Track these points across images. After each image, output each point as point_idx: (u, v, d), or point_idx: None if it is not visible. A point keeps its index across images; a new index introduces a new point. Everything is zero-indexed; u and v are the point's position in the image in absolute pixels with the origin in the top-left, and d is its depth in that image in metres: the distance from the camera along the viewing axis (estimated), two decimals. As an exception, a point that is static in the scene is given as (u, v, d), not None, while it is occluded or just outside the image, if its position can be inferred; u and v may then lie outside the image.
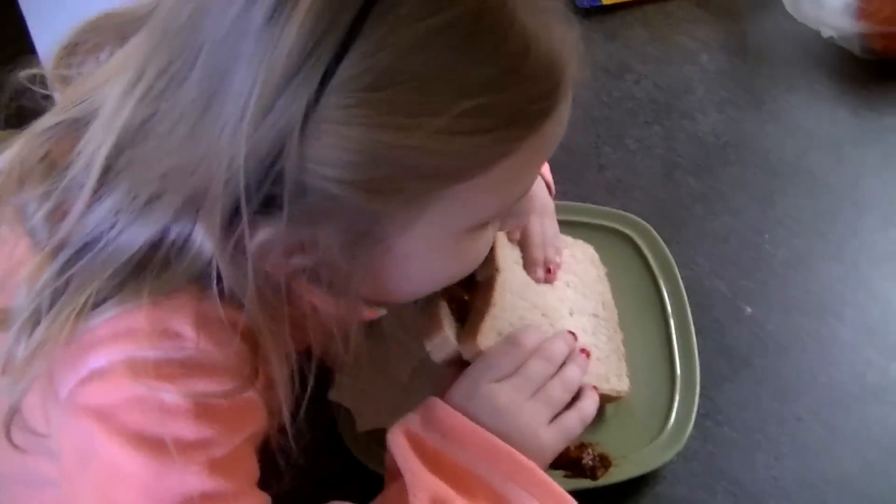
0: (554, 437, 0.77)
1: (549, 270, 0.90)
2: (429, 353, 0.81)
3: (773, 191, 1.10)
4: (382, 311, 0.77)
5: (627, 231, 1.01)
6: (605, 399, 0.85)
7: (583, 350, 0.83)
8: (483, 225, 0.67)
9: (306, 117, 0.54)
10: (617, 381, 0.87)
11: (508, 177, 0.62)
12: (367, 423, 0.86)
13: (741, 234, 1.06)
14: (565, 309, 0.89)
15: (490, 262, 0.84)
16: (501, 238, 0.87)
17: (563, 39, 0.61)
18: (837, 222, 1.08)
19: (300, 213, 0.58)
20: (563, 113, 0.63)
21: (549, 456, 0.77)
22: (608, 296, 0.94)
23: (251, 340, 0.63)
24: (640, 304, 0.96)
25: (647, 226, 1.01)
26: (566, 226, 0.96)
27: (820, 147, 1.15)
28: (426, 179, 0.59)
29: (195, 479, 0.61)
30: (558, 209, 0.94)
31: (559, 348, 0.81)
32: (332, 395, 0.87)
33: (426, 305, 0.81)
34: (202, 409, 0.61)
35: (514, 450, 0.73)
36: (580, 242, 0.97)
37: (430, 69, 0.55)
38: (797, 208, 1.08)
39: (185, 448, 0.61)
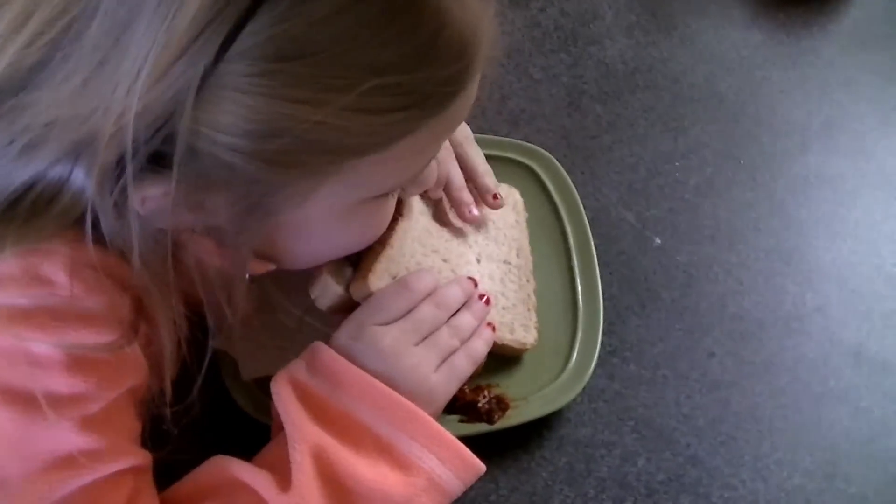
0: (443, 381, 0.74)
1: (495, 197, 0.85)
2: (314, 299, 0.77)
3: (684, 117, 1.05)
4: (271, 267, 0.72)
5: (528, 162, 0.95)
6: (509, 350, 0.81)
7: (482, 296, 0.79)
8: (384, 195, 0.66)
9: (203, 81, 0.52)
10: (523, 331, 0.82)
11: (412, 152, 0.61)
12: (253, 370, 0.80)
13: (650, 162, 1.00)
14: (472, 255, 0.84)
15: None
16: (409, 190, 0.81)
17: (478, 18, 0.57)
18: (751, 148, 1.03)
19: (192, 176, 0.55)
20: (472, 91, 0.61)
21: (441, 401, 0.74)
22: (524, 242, 0.88)
23: (135, 293, 0.60)
24: (545, 240, 0.90)
25: (548, 155, 0.95)
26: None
27: (733, 72, 1.10)
28: (327, 154, 0.57)
29: (68, 436, 0.59)
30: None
31: (453, 293, 0.77)
32: (216, 343, 0.81)
33: None
34: (75, 362, 0.59)
35: (400, 396, 0.69)
36: (504, 186, 0.90)
37: (339, 44, 0.52)
38: (709, 135, 1.03)
39: (57, 403, 0.58)
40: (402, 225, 0.79)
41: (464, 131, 0.87)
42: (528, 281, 0.85)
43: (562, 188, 0.93)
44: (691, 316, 0.89)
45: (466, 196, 0.85)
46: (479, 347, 0.76)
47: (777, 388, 0.85)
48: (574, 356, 0.83)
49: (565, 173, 0.94)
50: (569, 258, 0.89)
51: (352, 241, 0.71)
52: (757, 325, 0.89)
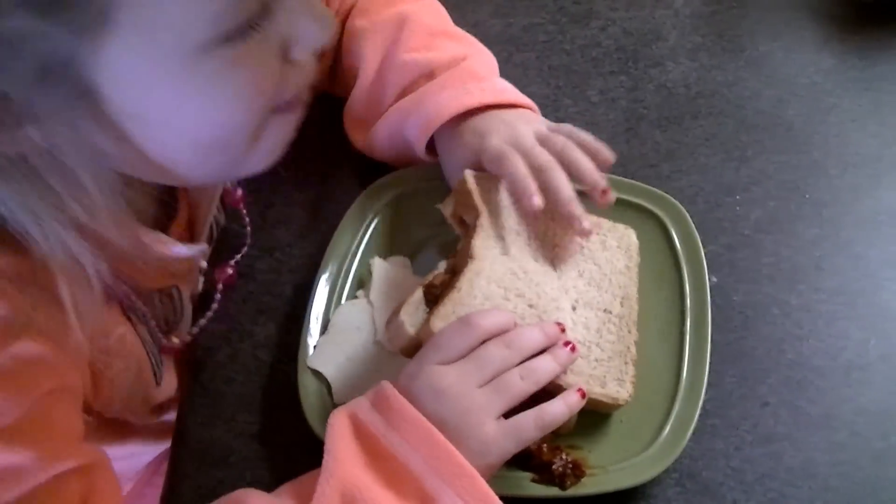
0: (500, 435, 0.69)
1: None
2: (388, 340, 0.78)
3: (747, 146, 1.00)
4: (202, 248, 0.71)
5: (656, 210, 0.90)
6: (600, 406, 0.76)
7: (567, 343, 0.74)
8: (222, 41, 0.56)
9: None
10: (616, 386, 0.76)
11: None
12: (345, 395, 0.79)
13: (710, 194, 0.95)
14: (566, 301, 0.80)
15: (465, 251, 0.78)
16: (482, 230, 0.80)
17: None
18: (818, 181, 0.97)
19: None
20: None
21: (495, 457, 0.69)
22: (632, 290, 0.83)
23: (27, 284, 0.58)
24: (655, 293, 0.85)
25: (680, 207, 0.90)
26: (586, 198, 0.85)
27: (802, 98, 1.04)
28: None
29: None
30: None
31: (529, 335, 0.72)
32: (311, 363, 0.81)
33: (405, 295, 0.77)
34: None
35: (453, 448, 0.66)
36: (620, 227, 0.86)
37: None
38: (773, 166, 0.98)
39: None
40: (472, 266, 0.77)
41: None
42: (629, 332, 0.80)
43: (686, 240, 0.88)
44: (746, 361, 0.84)
45: (577, 209, 0.79)
46: (555, 411, 0.71)
47: (834, 442, 0.80)
48: (667, 428, 0.77)
49: (692, 225, 0.89)
50: (681, 316, 0.83)
51: (215, 112, 0.60)
52: (816, 373, 0.84)
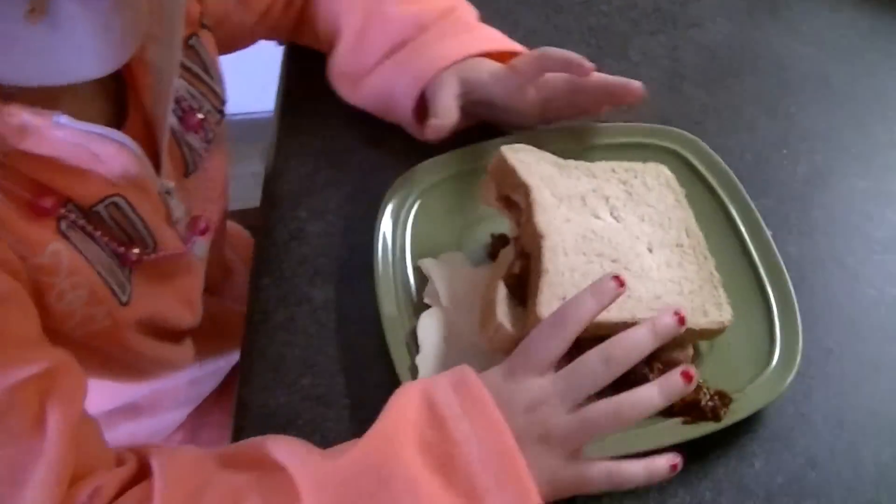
0: (568, 475, 0.66)
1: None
2: (488, 341, 0.76)
3: (789, 104, 1.00)
4: (85, 127, 0.67)
5: (670, 145, 0.92)
6: (707, 334, 0.77)
7: (677, 313, 0.68)
8: None
9: None
10: (716, 311, 0.77)
11: None
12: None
13: (757, 151, 0.96)
14: (642, 246, 0.80)
15: (532, 232, 0.77)
16: (539, 205, 0.78)
17: None
18: (861, 136, 0.98)
19: None
20: None
21: (562, 492, 0.66)
22: (691, 220, 0.83)
23: None
24: (705, 219, 0.85)
25: (695, 138, 0.92)
26: (605, 149, 0.89)
27: (841, 57, 1.05)
28: None
29: None
30: (591, 133, 0.89)
31: (634, 344, 0.66)
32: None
33: (485, 291, 0.77)
34: None
35: (520, 459, 0.62)
36: (651, 165, 0.87)
37: None
38: (817, 122, 0.99)
39: None
40: (547, 244, 0.76)
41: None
42: (705, 258, 0.81)
43: (711, 165, 0.90)
44: (806, 311, 0.84)
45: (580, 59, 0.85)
46: (632, 473, 0.66)
47: (899, 389, 0.80)
48: (778, 338, 0.79)
49: (711, 150, 0.91)
50: (737, 234, 0.86)
51: None
52: (875, 320, 0.84)
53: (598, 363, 0.65)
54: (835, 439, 0.77)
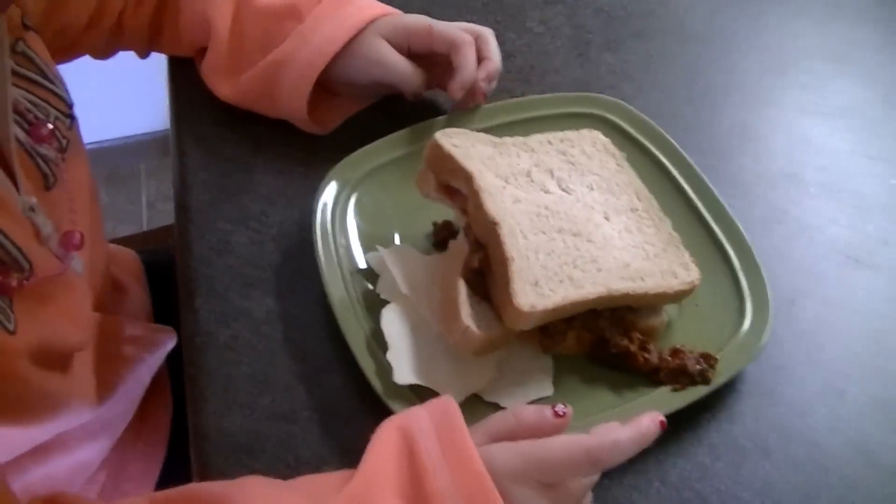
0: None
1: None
2: (454, 346, 0.72)
3: (695, 59, 1.00)
4: None
5: (599, 112, 0.90)
6: (678, 296, 0.75)
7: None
8: None
9: None
10: (684, 271, 0.76)
11: None
12: (406, 376, 0.73)
13: (675, 107, 0.95)
14: (598, 216, 0.78)
15: (484, 220, 0.73)
16: (485, 190, 0.74)
17: None
18: (773, 82, 0.99)
19: None
20: None
21: None
22: (638, 183, 0.82)
23: None
24: (653, 186, 0.83)
25: (620, 102, 0.90)
26: (533, 123, 0.86)
27: (733, 6, 1.05)
28: None
29: None
30: (515, 108, 0.87)
31: (616, 459, 0.64)
32: (401, 381, 0.73)
33: (443, 288, 0.73)
34: None
35: None
36: (585, 132, 0.84)
37: None
38: (729, 76, 0.99)
39: None
40: (503, 230, 0.72)
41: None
42: (661, 220, 0.79)
43: (641, 127, 0.89)
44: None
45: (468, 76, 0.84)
46: None
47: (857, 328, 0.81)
48: (747, 294, 0.78)
49: (638, 112, 0.89)
50: (682, 192, 0.85)
51: None
52: (828, 263, 0.84)
53: (592, 476, 0.65)
54: (815, 384, 0.77)
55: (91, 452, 0.93)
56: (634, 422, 0.64)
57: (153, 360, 0.96)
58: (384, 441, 0.63)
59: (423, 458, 0.62)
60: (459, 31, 0.85)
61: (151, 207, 2.14)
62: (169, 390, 1.04)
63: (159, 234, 1.80)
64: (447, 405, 0.65)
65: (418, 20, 0.87)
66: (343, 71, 0.87)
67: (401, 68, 0.87)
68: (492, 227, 0.72)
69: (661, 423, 0.64)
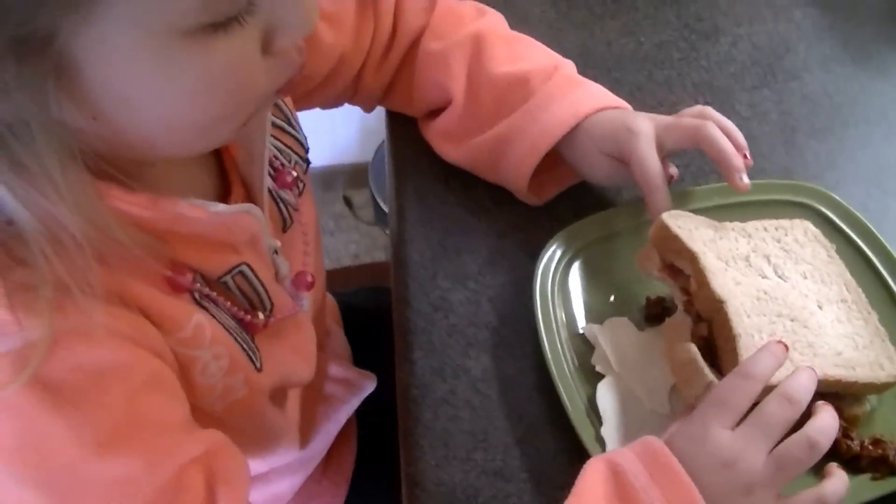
0: None
1: (745, 157, 0.84)
2: (694, 398, 0.74)
3: (901, 153, 1.01)
4: (244, 207, 0.71)
5: (808, 201, 0.92)
6: (881, 388, 0.78)
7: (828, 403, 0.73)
8: (207, 29, 0.55)
9: None
10: (890, 364, 0.78)
11: None
12: None
13: (878, 199, 0.96)
14: (812, 304, 0.80)
15: (709, 298, 0.77)
16: (709, 270, 0.78)
17: None
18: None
19: None
20: None
21: None
22: (847, 275, 0.84)
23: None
24: (859, 279, 0.85)
25: (829, 192, 0.92)
26: (744, 208, 0.88)
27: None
28: None
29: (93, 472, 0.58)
30: (729, 192, 0.86)
31: (803, 384, 0.69)
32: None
33: (669, 354, 0.77)
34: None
35: None
36: (797, 222, 0.87)
37: None
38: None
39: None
40: (730, 307, 0.76)
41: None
42: (869, 313, 0.82)
43: (848, 218, 0.90)
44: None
45: (738, 161, 0.83)
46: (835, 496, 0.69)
47: None
48: None
49: (846, 203, 0.91)
50: (886, 286, 0.86)
51: (191, 93, 0.58)
52: None
53: (783, 404, 0.67)
54: None
55: (287, 485, 0.98)
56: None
57: (353, 402, 1.00)
58: (591, 473, 0.67)
59: (629, 478, 0.65)
60: (692, 120, 0.86)
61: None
62: (355, 432, 1.08)
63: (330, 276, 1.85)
64: (647, 439, 0.68)
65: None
66: (569, 150, 0.90)
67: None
68: (718, 305, 0.76)
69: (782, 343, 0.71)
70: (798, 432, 0.67)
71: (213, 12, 0.55)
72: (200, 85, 0.58)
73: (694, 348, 0.75)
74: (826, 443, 0.67)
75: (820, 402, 0.72)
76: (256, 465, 0.89)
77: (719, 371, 0.75)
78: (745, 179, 0.82)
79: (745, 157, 0.84)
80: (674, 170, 0.88)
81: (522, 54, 0.94)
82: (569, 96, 0.89)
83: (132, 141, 0.60)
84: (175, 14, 0.53)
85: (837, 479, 0.70)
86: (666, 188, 0.84)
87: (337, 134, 2.15)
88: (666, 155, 0.86)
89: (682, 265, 0.81)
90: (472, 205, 0.95)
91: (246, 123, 0.64)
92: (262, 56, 0.60)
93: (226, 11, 0.55)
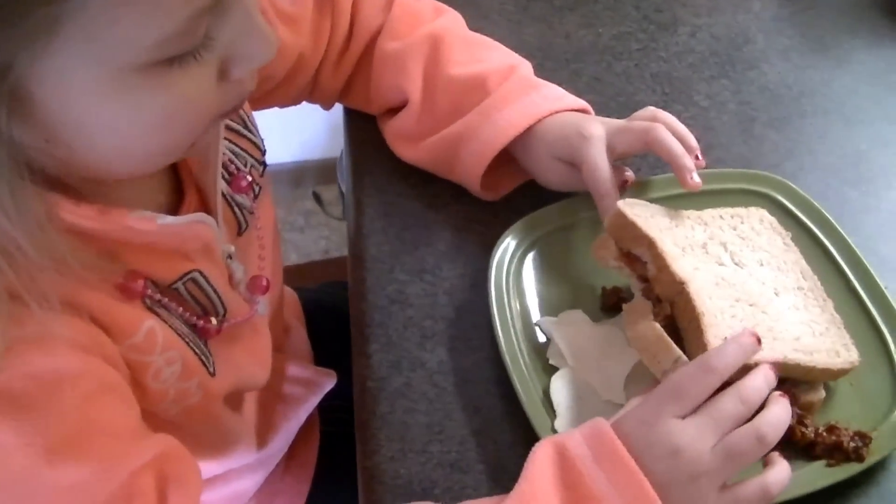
0: None
1: (697, 157, 0.85)
2: (662, 373, 0.74)
3: (859, 141, 1.01)
4: (196, 217, 0.70)
5: (765, 190, 0.92)
6: (836, 374, 0.78)
7: (784, 393, 0.72)
8: (163, 64, 0.55)
9: None
10: (846, 352, 0.78)
11: None
12: None
13: (836, 189, 0.96)
14: (769, 291, 0.81)
15: (670, 280, 0.78)
16: (668, 251, 0.79)
17: None
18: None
19: None
20: None
21: None
22: (803, 263, 0.84)
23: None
24: (814, 266, 0.85)
25: (786, 182, 0.92)
26: (701, 197, 0.87)
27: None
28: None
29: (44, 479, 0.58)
30: (679, 184, 0.85)
31: (757, 385, 0.69)
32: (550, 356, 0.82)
33: (635, 334, 0.77)
34: None
35: None
36: (753, 210, 0.87)
37: None
38: (889, 158, 1.00)
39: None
40: (692, 288, 0.76)
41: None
42: (825, 300, 0.82)
43: (805, 207, 0.90)
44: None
45: (688, 162, 0.83)
46: (778, 484, 0.68)
47: None
48: None
49: (803, 193, 0.91)
50: (841, 273, 0.86)
51: (147, 127, 0.59)
52: None
53: (736, 402, 0.67)
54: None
55: (247, 485, 0.97)
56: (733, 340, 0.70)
57: (313, 401, 0.99)
58: (539, 459, 0.67)
59: (576, 462, 0.66)
60: (643, 123, 0.86)
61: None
62: (318, 428, 1.08)
63: (298, 271, 1.83)
64: (596, 422, 0.68)
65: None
66: (522, 153, 0.90)
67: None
68: (680, 286, 0.77)
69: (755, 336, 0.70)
70: (747, 424, 0.67)
71: (170, 49, 0.55)
72: (157, 118, 0.58)
73: (659, 326, 0.75)
74: (775, 436, 0.67)
75: (775, 393, 0.72)
76: (214, 467, 0.89)
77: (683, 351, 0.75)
78: (696, 178, 0.83)
79: (696, 157, 0.84)
80: (629, 174, 0.88)
81: (480, 56, 0.94)
82: (524, 98, 0.89)
83: (87, 163, 0.60)
84: (130, 51, 0.53)
85: (780, 467, 0.69)
86: (616, 193, 0.84)
87: (305, 130, 2.15)
88: (617, 158, 0.86)
89: (639, 252, 0.81)
90: (430, 199, 0.95)
91: (197, 142, 0.64)
92: (217, 83, 0.60)
93: (182, 48, 0.56)
